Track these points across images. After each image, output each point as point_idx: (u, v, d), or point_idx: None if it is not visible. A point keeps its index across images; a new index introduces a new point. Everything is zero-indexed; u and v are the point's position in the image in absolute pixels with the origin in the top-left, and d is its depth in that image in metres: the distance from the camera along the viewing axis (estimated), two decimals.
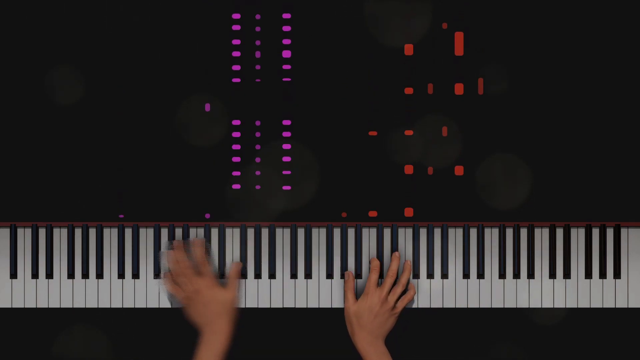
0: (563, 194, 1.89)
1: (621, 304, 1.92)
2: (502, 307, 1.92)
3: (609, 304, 1.92)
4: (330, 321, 2.01)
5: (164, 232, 1.91)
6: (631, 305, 1.92)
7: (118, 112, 1.88)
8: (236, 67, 1.86)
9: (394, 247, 1.91)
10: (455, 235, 1.93)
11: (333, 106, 1.87)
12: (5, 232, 1.91)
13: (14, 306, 1.91)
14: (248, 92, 1.86)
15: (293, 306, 1.88)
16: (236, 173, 1.87)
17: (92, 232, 1.91)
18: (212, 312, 1.80)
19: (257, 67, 1.86)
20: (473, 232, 1.92)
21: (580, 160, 1.89)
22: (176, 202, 1.88)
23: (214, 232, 1.91)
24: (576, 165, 1.89)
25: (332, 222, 1.89)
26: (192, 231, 1.90)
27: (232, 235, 1.91)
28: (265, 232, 1.91)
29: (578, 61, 1.89)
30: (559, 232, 1.93)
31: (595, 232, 1.93)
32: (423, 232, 1.92)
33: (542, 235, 1.93)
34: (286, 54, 1.87)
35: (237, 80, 1.86)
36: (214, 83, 1.86)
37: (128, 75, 1.86)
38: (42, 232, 1.91)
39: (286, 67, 1.87)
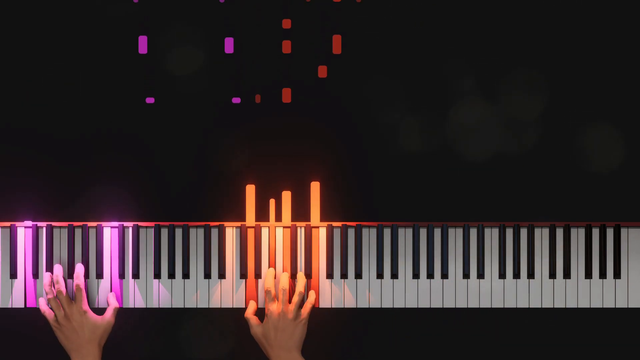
0: (563, 194, 1.89)
1: (621, 304, 1.92)
2: (502, 307, 1.92)
3: (609, 304, 1.92)
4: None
5: (164, 232, 1.91)
6: (631, 305, 1.92)
7: (116, 113, 1.88)
8: None
9: (394, 247, 1.91)
10: (455, 235, 1.93)
11: None
12: (6, 232, 1.90)
13: (14, 306, 1.90)
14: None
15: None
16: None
17: (92, 232, 1.91)
18: (82, 338, 1.83)
19: None
20: (473, 232, 1.92)
21: (581, 160, 1.89)
22: (177, 203, 1.88)
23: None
24: (576, 165, 1.89)
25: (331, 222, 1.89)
26: (192, 231, 1.90)
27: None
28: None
29: (577, 61, 1.89)
30: (559, 232, 1.92)
31: (595, 232, 1.93)
32: (423, 232, 1.92)
33: (542, 235, 1.92)
34: None
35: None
36: None
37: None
38: (42, 232, 1.90)
39: None
